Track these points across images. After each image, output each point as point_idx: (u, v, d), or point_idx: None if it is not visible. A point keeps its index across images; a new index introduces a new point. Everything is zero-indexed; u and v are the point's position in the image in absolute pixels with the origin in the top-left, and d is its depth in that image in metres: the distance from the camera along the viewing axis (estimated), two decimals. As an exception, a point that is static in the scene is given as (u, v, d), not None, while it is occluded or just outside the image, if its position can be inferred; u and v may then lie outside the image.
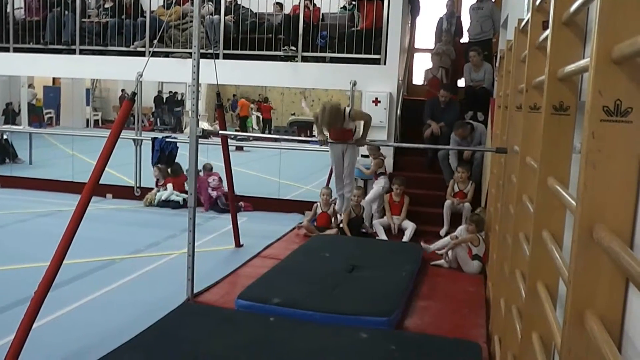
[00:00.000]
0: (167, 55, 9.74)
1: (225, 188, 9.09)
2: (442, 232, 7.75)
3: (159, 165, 10.20)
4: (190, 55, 5.41)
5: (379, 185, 8.32)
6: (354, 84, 8.96)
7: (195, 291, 5.39)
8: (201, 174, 9.80)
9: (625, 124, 1.51)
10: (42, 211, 9.42)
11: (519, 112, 3.85)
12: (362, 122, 5.61)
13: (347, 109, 5.50)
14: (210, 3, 9.79)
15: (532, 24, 3.23)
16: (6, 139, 13.69)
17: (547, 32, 2.57)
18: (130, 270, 6.51)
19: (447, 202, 7.88)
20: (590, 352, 1.59)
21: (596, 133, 1.54)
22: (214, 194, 9.89)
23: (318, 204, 8.15)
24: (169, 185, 10.08)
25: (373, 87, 8.95)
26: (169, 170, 10.24)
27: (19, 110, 16.49)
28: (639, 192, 1.54)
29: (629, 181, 1.54)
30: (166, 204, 9.97)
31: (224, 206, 9.52)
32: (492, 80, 8.75)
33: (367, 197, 8.23)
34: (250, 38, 9.55)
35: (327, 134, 5.48)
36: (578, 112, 2.42)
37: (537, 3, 3.12)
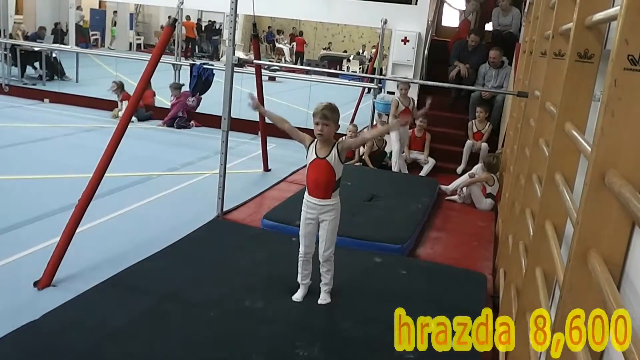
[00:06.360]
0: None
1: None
2: (459, 169, 7.69)
3: (116, 81, 10.40)
4: (229, -15, 5.30)
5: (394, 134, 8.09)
6: (385, 22, 8.73)
7: (224, 209, 5.48)
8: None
9: (649, 74, 1.46)
10: (86, 126, 9.52)
11: (543, 58, 3.74)
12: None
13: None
14: None
15: (565, -29, 3.09)
16: (55, 57, 13.72)
17: (579, -21, 2.45)
18: (166, 186, 6.61)
19: (468, 142, 7.78)
20: (591, 289, 1.59)
21: (618, 81, 1.48)
22: (180, 113, 10.01)
23: (343, 138, 8.03)
24: (124, 103, 9.82)
25: (403, 26, 8.71)
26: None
27: (67, 31, 16.42)
28: (654, 141, 1.50)
29: (646, 130, 1.50)
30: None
31: (178, 127, 9.91)
32: (519, 26, 8.46)
33: (392, 137, 8.08)
34: (288, -29, 9.31)
35: None
36: (601, 61, 2.34)
37: (572, -50, 2.97)
